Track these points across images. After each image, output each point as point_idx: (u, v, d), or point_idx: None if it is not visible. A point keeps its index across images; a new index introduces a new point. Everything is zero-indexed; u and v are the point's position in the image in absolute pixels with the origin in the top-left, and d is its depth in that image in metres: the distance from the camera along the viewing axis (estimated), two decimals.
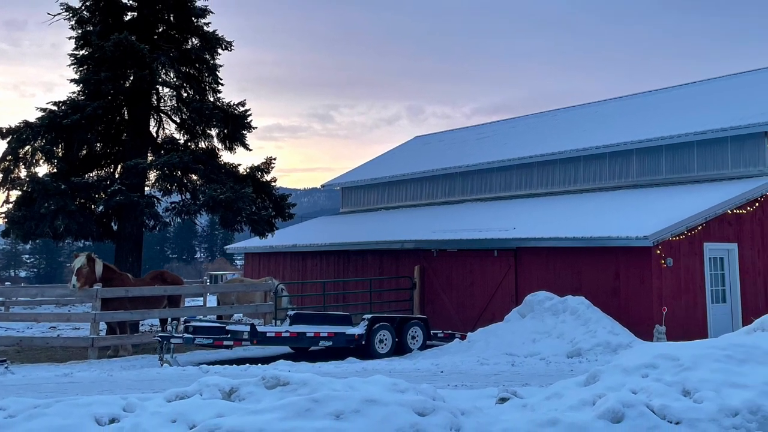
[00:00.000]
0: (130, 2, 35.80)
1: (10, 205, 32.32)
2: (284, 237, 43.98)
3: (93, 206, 33.98)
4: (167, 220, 35.91)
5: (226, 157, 37.45)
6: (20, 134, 32.75)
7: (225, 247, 74.83)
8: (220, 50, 36.37)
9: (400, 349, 28.06)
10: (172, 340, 25.91)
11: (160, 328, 31.54)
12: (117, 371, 22.75)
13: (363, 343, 27.23)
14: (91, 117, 32.81)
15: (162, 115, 36.90)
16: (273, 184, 36.88)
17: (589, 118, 41.31)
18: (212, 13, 36.02)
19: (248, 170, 36.36)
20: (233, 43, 36.51)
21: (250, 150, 37.31)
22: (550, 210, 33.35)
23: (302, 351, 28.54)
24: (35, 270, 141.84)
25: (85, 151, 34.62)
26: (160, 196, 35.49)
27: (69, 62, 34.73)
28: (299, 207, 44.99)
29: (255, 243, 43.12)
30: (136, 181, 33.50)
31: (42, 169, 33.66)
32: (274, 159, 37.11)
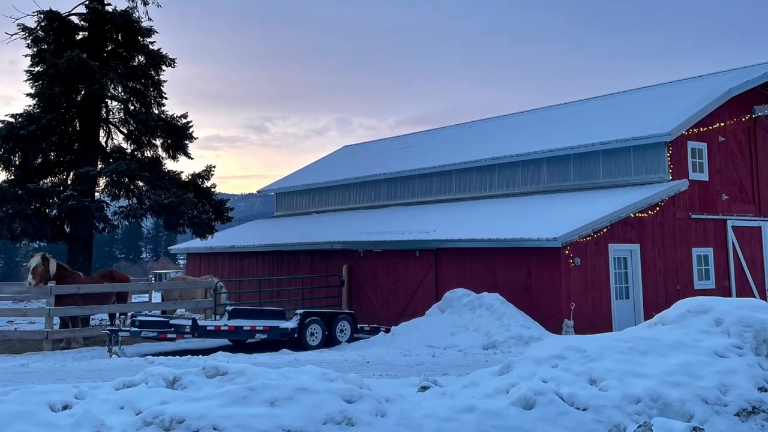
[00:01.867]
0: (82, 23, 35.69)
1: None
2: (223, 239, 43.77)
3: (47, 210, 33.82)
4: (115, 223, 35.75)
5: (169, 165, 37.52)
6: None
7: (169, 247, 74.27)
8: (164, 67, 36.28)
9: (329, 341, 28.07)
10: (120, 334, 25.76)
11: (109, 323, 31.22)
12: (69, 362, 22.57)
13: (296, 336, 27.21)
14: (45, 128, 32.63)
15: (111, 126, 36.66)
16: (213, 189, 36.85)
17: (503, 129, 41.37)
18: (157, 32, 35.96)
19: (190, 177, 36.30)
20: (176, 60, 36.46)
21: (192, 158, 37.25)
22: (467, 214, 33.39)
23: (240, 343, 28.42)
24: None
25: (40, 160, 34.38)
26: (109, 201, 35.35)
27: (25, 78, 34.50)
28: (237, 211, 44.90)
29: (196, 244, 42.92)
30: (86, 187, 33.33)
31: (0, 176, 33.50)
32: (214, 167, 37.17)
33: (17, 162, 33.64)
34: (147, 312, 29.20)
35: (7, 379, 17.44)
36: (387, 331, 28.49)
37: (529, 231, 26.98)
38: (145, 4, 36.79)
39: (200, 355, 23.40)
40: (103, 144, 36.30)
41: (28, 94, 34.11)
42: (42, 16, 34.90)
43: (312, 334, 27.67)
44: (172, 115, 36.37)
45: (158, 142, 36.34)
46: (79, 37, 35.84)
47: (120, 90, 35.48)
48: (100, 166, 34.78)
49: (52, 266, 28.41)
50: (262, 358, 22.52)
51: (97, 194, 34.89)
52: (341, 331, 28.62)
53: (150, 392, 10.36)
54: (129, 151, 36.38)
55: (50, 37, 35.16)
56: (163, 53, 36.03)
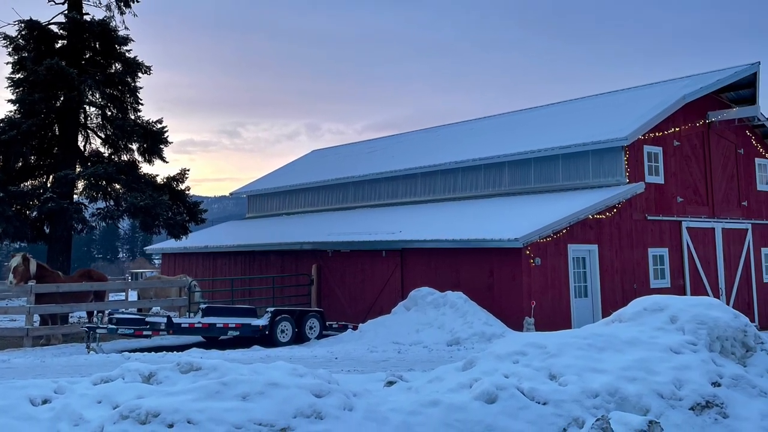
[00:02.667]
0: (61, 32, 35.57)
1: None
2: (197, 239, 43.59)
3: (28, 212, 33.75)
4: (93, 224, 35.64)
5: (145, 168, 37.35)
6: None
7: (144, 248, 73.93)
8: (140, 74, 36.22)
9: (299, 338, 28.05)
10: (98, 331, 25.74)
11: (87, 320, 31.18)
12: (49, 358, 22.48)
13: (267, 333, 27.19)
14: (26, 133, 32.54)
15: (89, 131, 36.57)
16: (187, 192, 36.84)
17: (467, 134, 41.39)
18: (133, 41, 36.02)
19: (165, 180, 36.25)
20: (152, 68, 36.37)
21: (167, 162, 37.23)
22: (432, 215, 33.37)
23: (213, 340, 28.34)
24: None
25: (20, 163, 34.28)
26: (87, 203, 35.27)
27: (6, 84, 34.45)
28: (210, 213, 44.71)
29: (171, 244, 42.83)
30: (65, 190, 33.19)
31: None
32: (188, 170, 37.16)
33: None
34: (124, 310, 29.08)
35: None
36: (355, 328, 28.48)
37: (491, 232, 27.02)
38: (122, 13, 36.83)
39: (175, 352, 23.37)
40: (82, 148, 36.19)
41: (9, 100, 34.02)
42: (23, 25, 34.79)
43: (282, 331, 27.65)
44: (148, 120, 36.35)
45: (134, 146, 36.33)
46: (59, 45, 35.72)
47: (97, 96, 35.36)
48: (78, 169, 34.68)
49: (33, 266, 28.37)
50: (235, 354, 22.49)
51: (75, 196, 34.76)
52: (311, 328, 28.61)
53: (127, 387, 10.36)
54: (106, 155, 36.32)
55: (30, 46, 35.06)
56: (140, 61, 35.97)
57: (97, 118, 36.57)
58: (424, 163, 38.04)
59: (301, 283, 34.92)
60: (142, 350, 24.89)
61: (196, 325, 26.78)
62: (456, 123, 46.70)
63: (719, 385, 11.35)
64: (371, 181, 41.52)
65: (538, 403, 10.49)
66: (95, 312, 29.85)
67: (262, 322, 27.45)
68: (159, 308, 35.47)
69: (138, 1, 36.95)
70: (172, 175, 36.60)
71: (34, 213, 33.83)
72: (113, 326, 25.87)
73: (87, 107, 35.86)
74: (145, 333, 26.30)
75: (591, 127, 32.35)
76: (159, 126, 36.29)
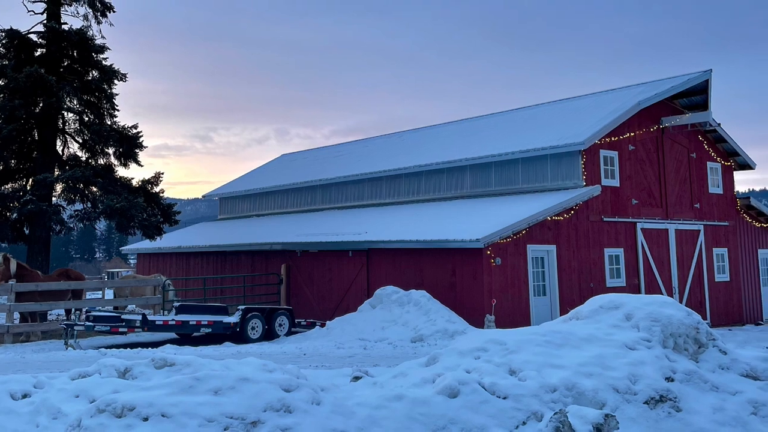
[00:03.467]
0: (40, 40, 35.44)
1: None
2: (171, 240, 43.43)
3: (8, 214, 33.73)
4: (71, 226, 35.55)
5: (121, 171, 37.16)
6: None
7: (120, 248, 73.46)
8: (116, 81, 36.09)
9: (269, 335, 28.03)
10: (76, 328, 25.64)
11: (65, 318, 31.05)
12: (29, 354, 22.38)
13: (238, 330, 27.13)
14: (6, 138, 32.41)
15: (67, 136, 36.42)
16: (161, 195, 36.77)
17: (430, 139, 41.42)
18: (110, 49, 35.84)
19: (140, 183, 36.18)
20: (127, 75, 36.27)
21: (142, 166, 37.27)
22: (397, 217, 33.41)
23: (186, 337, 28.31)
24: None
25: (1, 167, 34.19)
26: (65, 205, 35.19)
27: None
28: (183, 214, 44.63)
29: (146, 245, 42.62)
30: (44, 193, 33.06)
31: None
32: (162, 173, 37.16)
33: None
34: (100, 308, 28.97)
35: None
36: (322, 325, 28.42)
37: (453, 233, 27.05)
38: (99, 23, 36.78)
39: (149, 348, 23.33)
40: (60, 152, 36.04)
41: None
42: (3, 34, 34.70)
43: (253, 328, 27.62)
44: (124, 125, 36.25)
45: (111, 150, 36.20)
46: (38, 53, 35.58)
47: (75, 102, 35.30)
48: (56, 172, 34.56)
49: (13, 265, 28.28)
50: (207, 350, 22.45)
51: (54, 199, 34.65)
52: (280, 325, 28.59)
53: (103, 382, 10.34)
54: (83, 158, 36.18)
55: (11, 54, 34.93)
56: (116, 68, 35.83)
57: (74, 123, 36.45)
58: (389, 167, 38.08)
59: (271, 282, 34.85)
60: (118, 347, 24.81)
61: (169, 323, 26.72)
62: (419, 128, 46.73)
63: (672, 380, 11.39)
64: (338, 184, 41.50)
65: (499, 397, 10.48)
66: (73, 310, 29.78)
67: (233, 319, 27.40)
68: (134, 306, 35.39)
69: (114, 11, 36.91)
70: (146, 179, 36.55)
71: (14, 215, 33.72)
72: (90, 323, 25.78)
73: (65, 113, 35.76)
74: (120, 330, 26.23)
75: (550, 132, 32.45)
76: (134, 131, 36.21)
